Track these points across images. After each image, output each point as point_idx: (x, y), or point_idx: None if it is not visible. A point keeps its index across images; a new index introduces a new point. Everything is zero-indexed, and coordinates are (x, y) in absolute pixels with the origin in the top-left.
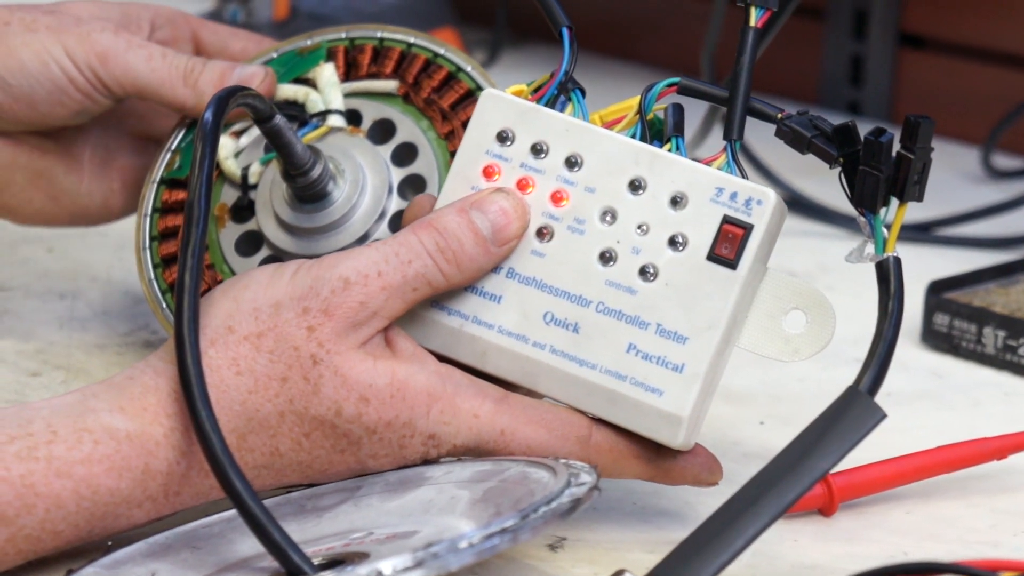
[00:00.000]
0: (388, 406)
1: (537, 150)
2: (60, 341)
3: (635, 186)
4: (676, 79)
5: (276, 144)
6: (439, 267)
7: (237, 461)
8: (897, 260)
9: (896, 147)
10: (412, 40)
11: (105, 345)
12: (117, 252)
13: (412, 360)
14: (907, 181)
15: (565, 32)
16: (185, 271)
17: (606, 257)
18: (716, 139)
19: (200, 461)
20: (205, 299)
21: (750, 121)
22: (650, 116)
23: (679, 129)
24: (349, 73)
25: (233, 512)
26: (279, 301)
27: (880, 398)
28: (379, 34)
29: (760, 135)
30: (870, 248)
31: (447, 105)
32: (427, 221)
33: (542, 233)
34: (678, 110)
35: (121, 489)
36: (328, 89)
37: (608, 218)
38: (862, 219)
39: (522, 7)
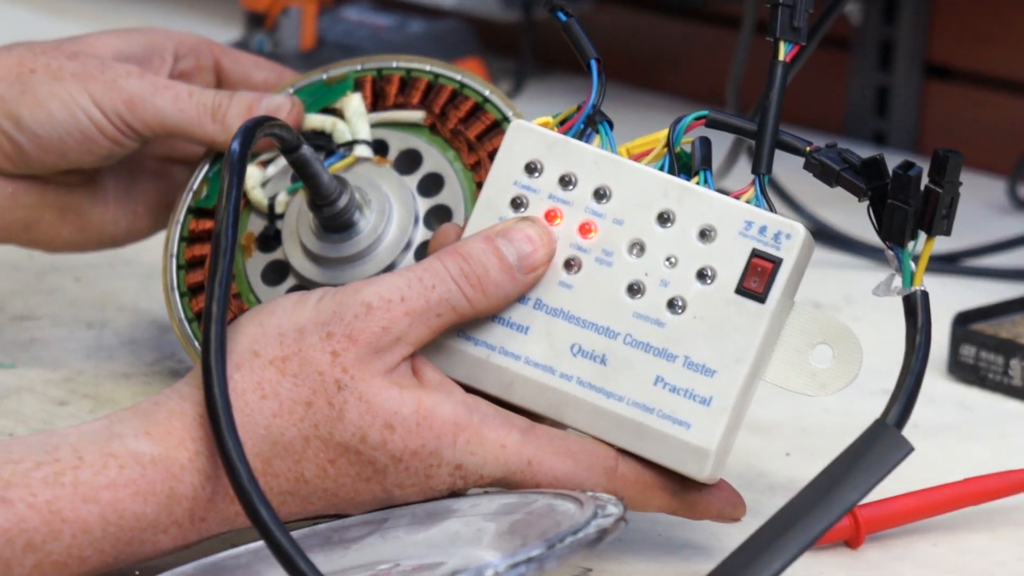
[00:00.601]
0: (414, 435)
1: (565, 182)
2: (87, 370)
3: (664, 219)
4: (704, 112)
5: (302, 174)
6: (463, 292)
7: (262, 487)
8: (925, 294)
9: (924, 181)
10: (438, 70)
11: (132, 374)
12: (144, 281)
13: (438, 389)
14: (935, 215)
15: (593, 64)
16: (212, 300)
17: (634, 289)
18: (741, 170)
19: (226, 486)
20: (232, 325)
21: (776, 151)
22: (678, 149)
23: (707, 162)
24: (376, 103)
25: (260, 544)
26: (303, 326)
27: (906, 430)
28: (395, 64)
29: (785, 164)
30: (898, 282)
31: (473, 136)
32: (452, 248)
33: (570, 265)
34: (706, 143)
35: (147, 514)
36: (355, 119)
37: (636, 250)
38: (890, 252)
39: (547, 37)
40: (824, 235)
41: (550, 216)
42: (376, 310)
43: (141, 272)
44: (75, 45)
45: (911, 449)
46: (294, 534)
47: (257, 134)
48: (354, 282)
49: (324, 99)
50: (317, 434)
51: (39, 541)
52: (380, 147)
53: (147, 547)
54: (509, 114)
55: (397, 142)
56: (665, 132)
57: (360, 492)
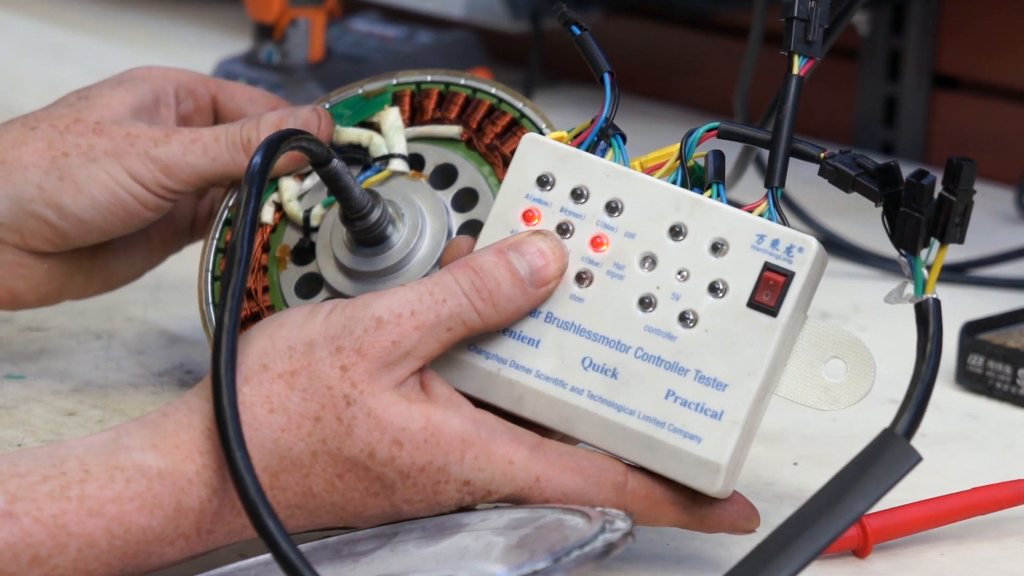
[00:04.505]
0: (422, 451)
1: (577, 195)
2: (96, 381)
3: (676, 232)
4: (716, 124)
5: (333, 188)
6: (474, 306)
7: (270, 500)
8: (937, 302)
9: (937, 189)
10: (477, 85)
11: (140, 385)
12: (152, 292)
13: (447, 405)
14: (948, 223)
15: (607, 78)
16: (224, 311)
17: (646, 303)
18: (750, 180)
19: (233, 499)
20: (242, 337)
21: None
22: (691, 163)
23: (720, 175)
24: (415, 118)
25: (269, 556)
26: (313, 340)
27: (914, 439)
28: (429, 77)
29: (794, 174)
30: (909, 289)
31: (509, 151)
32: (463, 261)
33: (581, 278)
34: (719, 156)
35: (153, 527)
36: (392, 133)
37: (648, 264)
38: (902, 260)
39: (556, 48)
40: (832, 245)
41: (562, 229)
42: (386, 324)
43: (149, 283)
44: (92, 111)
45: (919, 459)
46: (304, 547)
47: (281, 148)
48: (365, 295)
49: (362, 112)
50: (325, 449)
51: (45, 555)
52: (416, 161)
53: (153, 560)
54: (545, 130)
55: (433, 156)
56: (677, 146)
57: (368, 507)
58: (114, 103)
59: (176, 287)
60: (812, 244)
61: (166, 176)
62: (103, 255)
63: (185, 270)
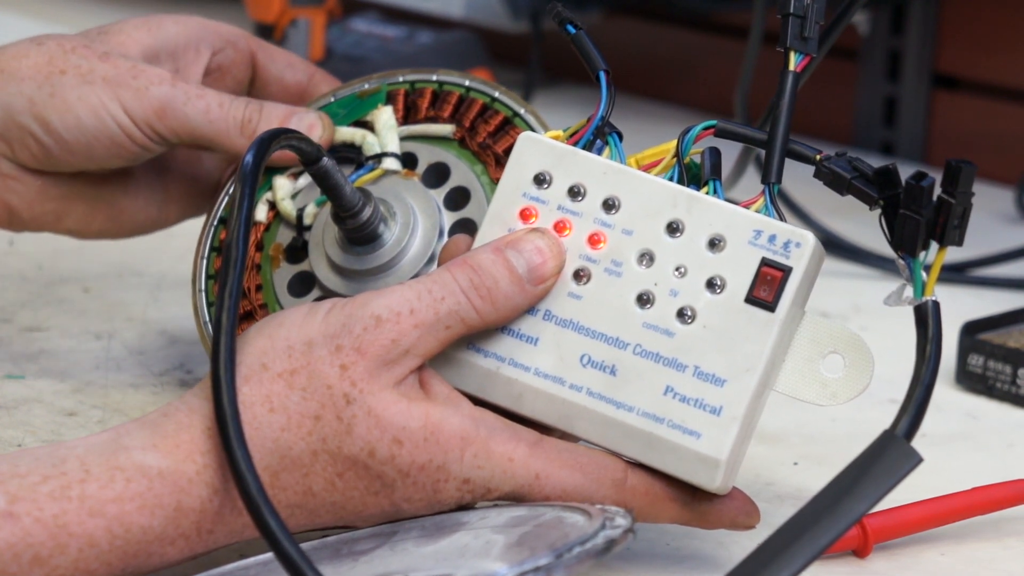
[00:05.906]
0: (421, 449)
1: (574, 193)
2: (96, 381)
3: (673, 229)
4: (713, 122)
5: (324, 186)
6: (473, 304)
7: (270, 499)
8: (936, 304)
9: (936, 191)
10: (469, 84)
11: (141, 385)
12: (153, 292)
13: (446, 403)
14: (947, 225)
15: (602, 76)
16: (222, 311)
17: (643, 299)
18: (750, 179)
19: (233, 499)
20: (241, 337)
21: (785, 160)
22: (687, 160)
23: (717, 172)
24: (408, 116)
25: (269, 555)
26: (312, 339)
27: (914, 439)
28: (435, 77)
29: (793, 174)
30: (909, 291)
31: (501, 150)
32: (462, 259)
33: (579, 275)
34: (715, 154)
35: (154, 527)
36: (385, 132)
37: (646, 260)
38: (901, 262)
39: (555, 48)
40: (832, 245)
41: (559, 227)
42: (385, 322)
43: (150, 283)
44: (106, 43)
45: (920, 460)
46: (303, 546)
47: (272, 146)
48: (364, 294)
49: (356, 111)
50: (325, 448)
51: (46, 555)
52: (409, 160)
53: (154, 559)
54: (539, 129)
55: (426, 155)
56: (674, 143)
57: (368, 506)
58: (129, 42)
59: (176, 287)
60: (809, 239)
61: (158, 118)
62: (109, 188)
63: (185, 270)
